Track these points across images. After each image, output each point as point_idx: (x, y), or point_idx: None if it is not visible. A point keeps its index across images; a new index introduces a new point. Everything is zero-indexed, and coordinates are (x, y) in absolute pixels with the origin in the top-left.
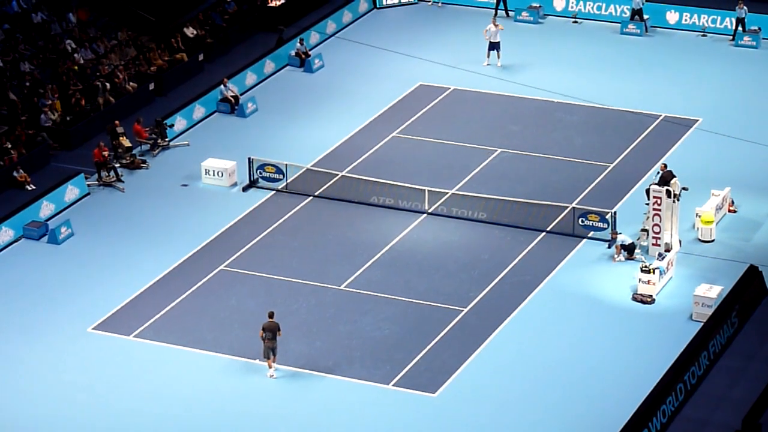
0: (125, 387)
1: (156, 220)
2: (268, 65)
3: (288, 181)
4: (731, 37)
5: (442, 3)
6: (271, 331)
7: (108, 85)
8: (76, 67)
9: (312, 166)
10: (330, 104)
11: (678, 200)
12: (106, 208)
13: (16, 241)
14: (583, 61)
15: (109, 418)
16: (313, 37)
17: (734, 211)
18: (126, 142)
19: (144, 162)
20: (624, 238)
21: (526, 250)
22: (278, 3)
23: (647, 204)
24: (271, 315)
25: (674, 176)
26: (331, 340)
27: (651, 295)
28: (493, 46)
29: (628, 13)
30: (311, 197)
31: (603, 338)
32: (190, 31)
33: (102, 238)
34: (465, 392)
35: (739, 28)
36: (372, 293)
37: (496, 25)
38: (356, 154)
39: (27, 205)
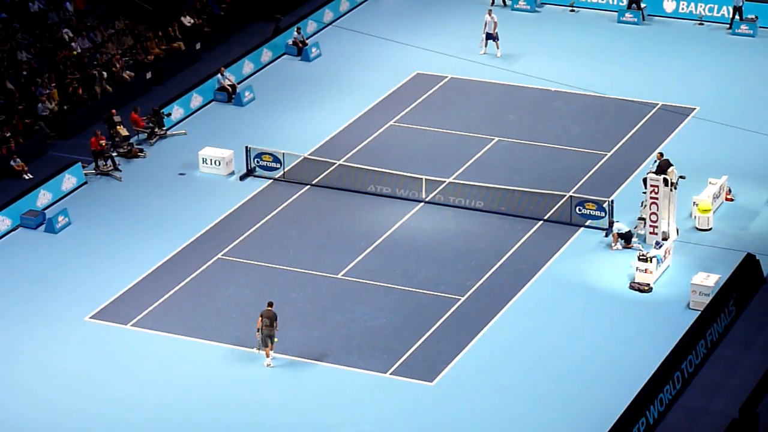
0: (122, 376)
1: (153, 209)
2: (266, 54)
3: (285, 169)
4: (728, 26)
5: None
6: (269, 318)
7: (105, 74)
8: (74, 54)
9: (309, 154)
10: (327, 93)
11: (675, 189)
12: (104, 197)
13: (13, 230)
14: (581, 50)
15: (106, 406)
16: (311, 25)
17: (731, 200)
18: (123, 131)
19: (141, 151)
20: (621, 226)
21: (524, 239)
22: None
23: (644, 192)
24: (270, 304)
25: (671, 165)
26: (328, 328)
27: (648, 284)
28: (489, 36)
29: (626, 2)
30: (308, 186)
31: (600, 327)
32: (187, 20)
33: (99, 227)
34: (462, 381)
35: (737, 17)
36: (369, 282)
37: (491, 17)
38: (353, 142)
39: (24, 194)
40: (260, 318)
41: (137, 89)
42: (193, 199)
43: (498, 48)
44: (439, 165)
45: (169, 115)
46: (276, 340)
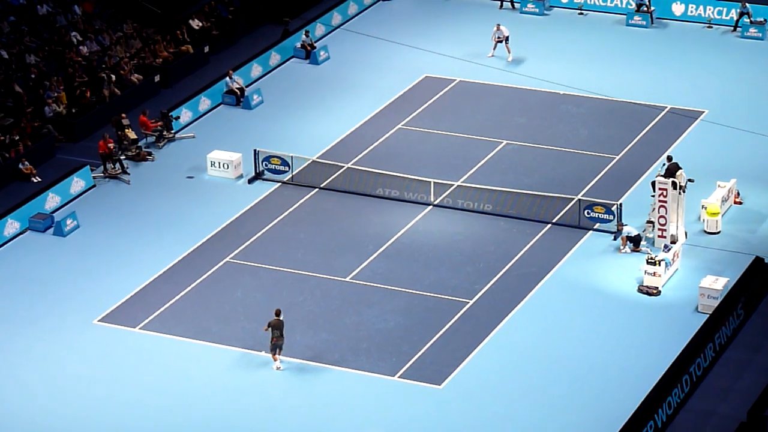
0: (131, 379)
1: (162, 212)
2: (274, 57)
3: (293, 173)
4: (733, 28)
5: None
6: (278, 329)
7: (113, 77)
8: (81, 59)
9: (317, 158)
10: (335, 96)
11: (684, 192)
12: (112, 200)
13: (21, 233)
14: (589, 53)
15: (114, 409)
16: (319, 28)
17: (740, 203)
18: (131, 134)
19: (149, 154)
20: (630, 229)
21: (532, 242)
22: None
23: (653, 196)
24: (278, 313)
25: (680, 168)
26: (336, 332)
27: (657, 287)
28: (500, 40)
29: (634, 5)
30: (317, 189)
31: (609, 330)
32: (195, 23)
33: (107, 230)
34: (471, 384)
35: (746, 19)
36: (378, 285)
37: (501, 29)
38: (362, 146)
39: (33, 197)
40: (270, 328)
41: (145, 92)
42: (201, 202)
43: (509, 52)
44: (447, 168)
45: (177, 118)
46: (279, 365)
